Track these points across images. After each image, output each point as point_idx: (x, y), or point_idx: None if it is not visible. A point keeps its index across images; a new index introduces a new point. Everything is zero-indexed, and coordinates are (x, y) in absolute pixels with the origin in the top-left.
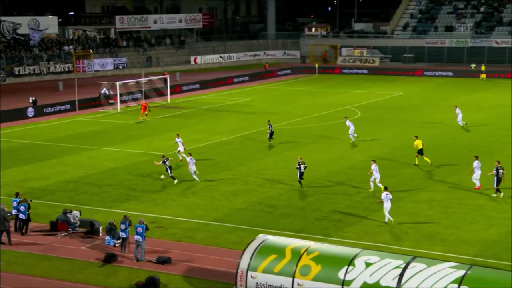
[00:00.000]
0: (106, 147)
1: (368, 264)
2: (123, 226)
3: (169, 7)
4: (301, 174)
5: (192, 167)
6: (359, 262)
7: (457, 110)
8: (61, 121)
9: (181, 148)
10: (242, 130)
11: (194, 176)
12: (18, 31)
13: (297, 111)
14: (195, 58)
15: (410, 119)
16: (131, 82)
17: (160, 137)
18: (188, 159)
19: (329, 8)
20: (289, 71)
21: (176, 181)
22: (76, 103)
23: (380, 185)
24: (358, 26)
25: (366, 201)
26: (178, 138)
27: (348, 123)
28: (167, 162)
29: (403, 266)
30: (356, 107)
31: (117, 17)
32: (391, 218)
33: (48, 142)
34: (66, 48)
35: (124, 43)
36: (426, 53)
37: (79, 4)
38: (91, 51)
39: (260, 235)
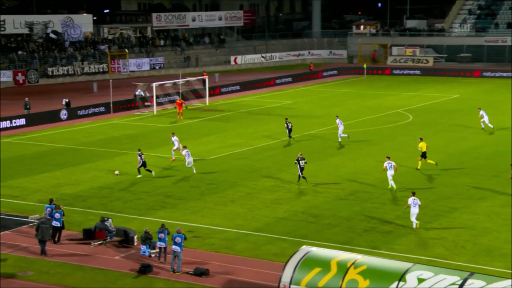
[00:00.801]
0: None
1: (420, 280)
2: (161, 235)
3: (208, 4)
4: (301, 169)
5: (188, 159)
6: (411, 277)
7: (482, 112)
8: (94, 124)
9: (176, 147)
10: (284, 135)
11: (192, 168)
12: (52, 29)
13: (343, 115)
14: (235, 58)
15: (466, 123)
16: (168, 83)
17: (197, 141)
18: (184, 152)
19: (379, 4)
20: (335, 72)
21: (153, 173)
22: (111, 105)
23: (392, 183)
24: (410, 24)
25: (419, 211)
26: (173, 137)
27: (338, 121)
28: (142, 157)
29: (459, 283)
30: (408, 110)
31: (154, 15)
32: (415, 222)
33: (81, 146)
34: (101, 47)
35: (161, 42)
36: (485, 52)
37: (115, 1)
38: (126, 50)
39: (304, 246)
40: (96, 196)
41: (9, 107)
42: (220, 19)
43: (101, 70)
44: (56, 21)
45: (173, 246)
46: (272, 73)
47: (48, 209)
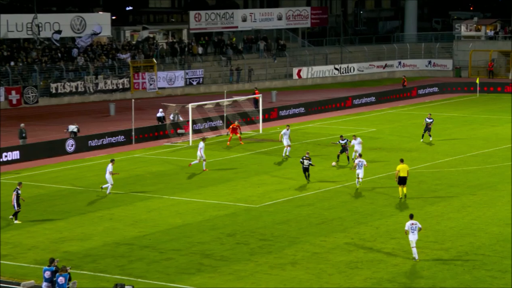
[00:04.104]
0: (172, 196)
1: None
2: None
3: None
4: (305, 170)
5: (107, 175)
6: None
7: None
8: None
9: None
10: (364, 175)
11: (108, 185)
12: (57, 34)
13: (447, 148)
14: (299, 71)
15: None
16: (209, 104)
17: (247, 181)
18: (109, 166)
19: None
20: (435, 89)
21: (16, 221)
22: (133, 133)
23: (357, 182)
24: None
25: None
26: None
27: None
28: (19, 191)
29: None
30: None
31: (192, 14)
32: (415, 252)
33: (93, 188)
34: (121, 56)
35: (200, 50)
36: None
37: None
38: (154, 61)
39: None
40: (111, 255)
41: None
42: (279, 18)
43: (120, 86)
44: (63, 22)
45: None
46: (348, 90)
47: (47, 272)
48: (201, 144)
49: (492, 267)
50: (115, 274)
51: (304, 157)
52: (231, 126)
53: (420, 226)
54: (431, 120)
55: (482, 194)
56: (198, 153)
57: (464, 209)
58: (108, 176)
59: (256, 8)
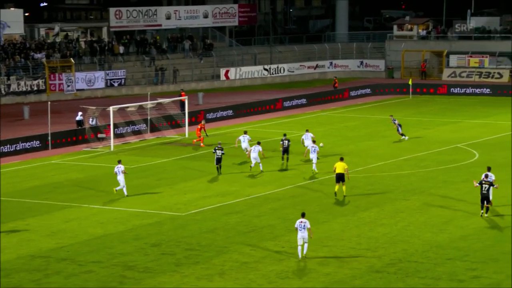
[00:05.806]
0: (92, 204)
1: None
2: None
3: None
4: (218, 160)
5: (120, 176)
6: None
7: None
8: (24, 165)
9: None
10: (295, 180)
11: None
12: None
13: (380, 152)
14: (227, 71)
15: None
16: (132, 107)
17: (171, 189)
18: (120, 166)
19: None
20: (368, 91)
21: None
22: (49, 138)
23: (314, 166)
24: (476, 22)
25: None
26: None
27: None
28: None
29: None
30: (472, 145)
31: (112, 11)
32: (300, 249)
33: (4, 197)
34: (36, 55)
35: (122, 49)
36: None
37: None
38: (72, 60)
39: None
40: (25, 268)
41: None
42: (205, 16)
43: (35, 88)
44: None
45: None
46: (279, 92)
47: None
48: (259, 147)
49: (425, 274)
50: None
51: (217, 147)
52: (199, 126)
53: (309, 226)
54: (395, 121)
55: (415, 199)
56: (253, 154)
57: (397, 215)
58: (120, 177)
59: (181, 5)
